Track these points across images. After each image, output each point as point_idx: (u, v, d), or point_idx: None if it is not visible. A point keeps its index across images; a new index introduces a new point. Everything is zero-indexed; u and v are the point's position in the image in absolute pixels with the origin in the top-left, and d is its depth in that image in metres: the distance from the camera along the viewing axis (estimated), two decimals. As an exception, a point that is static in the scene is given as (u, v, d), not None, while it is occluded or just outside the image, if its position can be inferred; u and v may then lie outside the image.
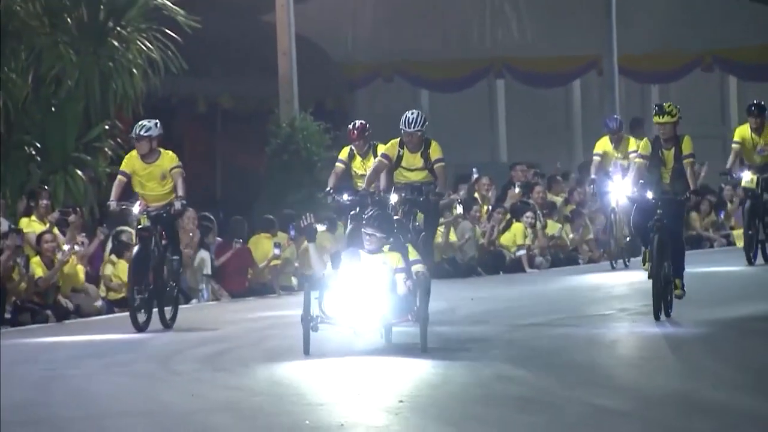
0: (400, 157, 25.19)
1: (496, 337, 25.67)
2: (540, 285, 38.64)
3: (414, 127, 25.10)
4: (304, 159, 39.13)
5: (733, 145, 35.50)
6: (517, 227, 43.26)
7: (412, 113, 26.16)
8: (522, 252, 42.45)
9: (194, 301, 36.26)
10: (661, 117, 27.09)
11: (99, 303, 32.73)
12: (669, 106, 27.50)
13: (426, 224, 26.42)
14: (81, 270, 32.55)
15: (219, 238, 37.74)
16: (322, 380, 21.50)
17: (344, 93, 45.34)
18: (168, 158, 25.76)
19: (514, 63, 53.17)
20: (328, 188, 27.84)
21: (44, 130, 35.18)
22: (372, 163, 28.64)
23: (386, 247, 23.65)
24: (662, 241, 26.43)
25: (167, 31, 39.63)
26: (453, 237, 41.43)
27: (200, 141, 32.99)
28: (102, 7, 38.73)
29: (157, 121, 26.38)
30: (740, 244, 42.63)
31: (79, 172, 35.83)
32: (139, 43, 38.78)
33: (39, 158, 35.27)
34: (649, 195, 26.63)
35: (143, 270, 27.23)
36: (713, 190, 47.17)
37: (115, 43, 38.80)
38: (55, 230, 32.48)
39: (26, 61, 37.84)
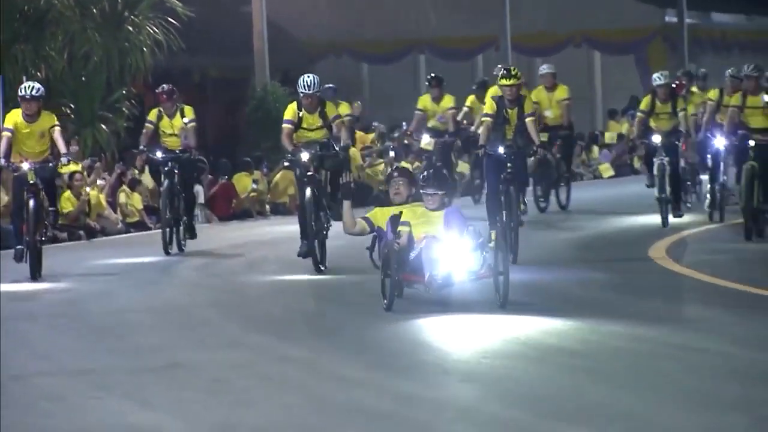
0: (300, 119, 23.44)
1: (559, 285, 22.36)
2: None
3: (311, 90, 23.36)
4: (274, 116, 38.73)
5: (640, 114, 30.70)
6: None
7: (308, 77, 24.21)
8: None
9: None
10: (508, 80, 24.67)
11: (119, 225, 32.91)
12: (514, 70, 25.55)
13: (333, 177, 24.57)
14: (104, 199, 32.89)
15: (210, 176, 38.13)
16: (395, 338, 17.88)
17: (305, 65, 45.42)
18: (48, 120, 23.08)
19: (431, 42, 53.71)
20: (141, 147, 25.88)
21: (76, 95, 35.45)
22: (179, 122, 27.17)
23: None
24: (511, 195, 24.58)
25: (169, 18, 40.31)
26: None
27: (195, 103, 33.21)
28: (119, 0, 39.05)
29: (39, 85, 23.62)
30: (607, 174, 42.12)
31: (103, 127, 36.12)
32: (147, 28, 39.49)
33: (72, 116, 35.27)
34: (501, 150, 24.45)
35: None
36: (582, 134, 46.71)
37: (130, 29, 39.34)
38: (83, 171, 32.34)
39: (62, 43, 38.17)
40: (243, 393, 16.01)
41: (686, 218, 30.86)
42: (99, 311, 21.38)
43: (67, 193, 32.26)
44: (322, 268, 23.10)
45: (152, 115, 26.37)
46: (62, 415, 13.95)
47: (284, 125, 23.50)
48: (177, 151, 26.41)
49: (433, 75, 36.47)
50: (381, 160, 41.92)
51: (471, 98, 35.69)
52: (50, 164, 22.50)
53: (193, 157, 28.33)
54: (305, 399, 14.64)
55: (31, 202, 21.60)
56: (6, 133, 21.85)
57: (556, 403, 13.25)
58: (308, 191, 23.17)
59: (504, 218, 24.02)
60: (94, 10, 38.58)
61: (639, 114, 27.51)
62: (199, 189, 36.07)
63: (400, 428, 12.53)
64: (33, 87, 22.27)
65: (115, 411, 15.08)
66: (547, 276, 22.65)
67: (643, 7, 56.99)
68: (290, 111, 23.40)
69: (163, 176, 25.46)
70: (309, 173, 23.26)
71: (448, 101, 34.65)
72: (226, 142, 37.63)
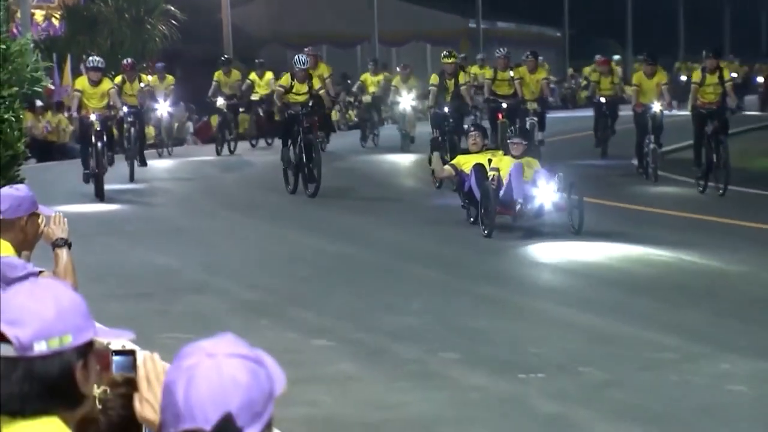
0: (291, 86, 21.12)
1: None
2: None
3: (303, 66, 21.21)
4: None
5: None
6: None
7: (302, 56, 21.91)
8: None
9: (185, 144, 34.40)
10: (447, 59, 23.29)
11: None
12: (452, 53, 24.01)
13: (318, 128, 22.28)
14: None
15: (196, 116, 36.34)
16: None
17: (253, 50, 44.77)
18: (107, 81, 21.17)
19: (330, 36, 51.67)
20: (119, 107, 21.59)
21: (116, 69, 34.62)
22: (137, 86, 24.90)
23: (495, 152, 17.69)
24: (453, 140, 22.17)
25: (172, 21, 40.17)
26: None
27: (186, 73, 33.30)
28: (141, 8, 39.65)
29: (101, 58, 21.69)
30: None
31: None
32: (159, 26, 39.69)
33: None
34: (446, 109, 22.45)
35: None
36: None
37: (149, 26, 39.34)
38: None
39: (106, 35, 37.68)
40: (222, 245, 16.42)
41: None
42: (139, 215, 19.68)
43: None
44: (312, 194, 20.50)
45: (117, 80, 23.94)
46: (91, 257, 12.29)
47: (278, 88, 21.90)
48: (137, 108, 24.73)
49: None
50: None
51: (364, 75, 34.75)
52: (110, 114, 20.87)
53: (144, 110, 26.67)
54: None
55: (99, 144, 20.00)
56: (77, 93, 20.64)
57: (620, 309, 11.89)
58: (291, 136, 21.01)
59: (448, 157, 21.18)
60: (126, 15, 39.41)
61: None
62: (189, 124, 35.92)
63: (500, 310, 11.75)
64: (98, 60, 21.08)
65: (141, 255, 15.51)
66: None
67: (454, 16, 57.85)
68: (285, 79, 21.75)
69: (126, 124, 23.68)
70: (295, 125, 20.90)
71: (413, 81, 32.43)
72: (205, 96, 37.07)
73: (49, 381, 3.08)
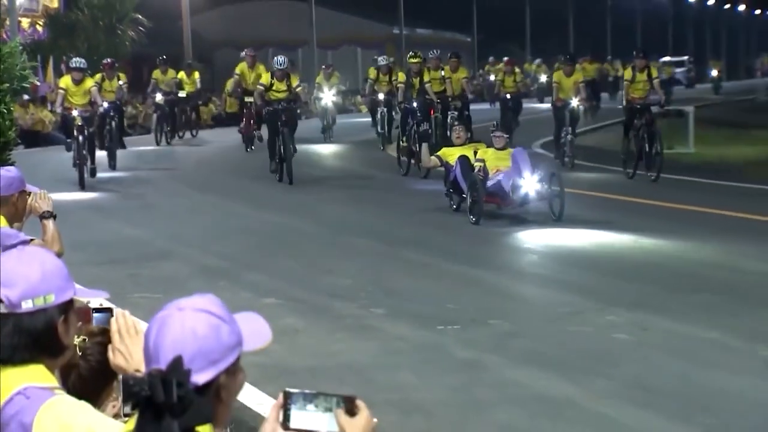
0: (271, 84, 20.00)
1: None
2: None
3: (281, 66, 20.08)
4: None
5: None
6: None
7: (281, 57, 20.65)
8: None
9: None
10: (413, 59, 22.31)
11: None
12: (418, 53, 22.88)
13: (292, 123, 20.46)
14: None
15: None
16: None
17: (208, 53, 44.61)
18: (89, 80, 20.19)
19: (277, 41, 50.37)
20: (99, 103, 20.52)
21: (93, 69, 34.02)
22: (116, 83, 23.53)
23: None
24: (423, 131, 20.39)
25: (140, 27, 39.81)
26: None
27: (150, 72, 32.67)
28: (113, 16, 39.12)
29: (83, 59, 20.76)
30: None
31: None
32: (129, 32, 39.27)
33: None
34: (414, 104, 21.36)
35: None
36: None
37: (119, 32, 38.87)
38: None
39: (83, 39, 37.26)
40: (185, 219, 16.57)
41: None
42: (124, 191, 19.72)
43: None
44: (289, 182, 19.46)
45: (97, 77, 22.55)
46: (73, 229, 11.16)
47: (258, 86, 20.67)
48: (116, 102, 23.34)
49: (329, 63, 34.09)
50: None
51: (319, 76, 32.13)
52: (90, 110, 19.85)
53: (122, 104, 25.57)
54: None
55: (81, 137, 18.98)
56: (61, 91, 19.69)
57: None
58: (274, 130, 20.02)
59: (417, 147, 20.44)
60: (101, 22, 38.92)
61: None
62: (155, 116, 34.43)
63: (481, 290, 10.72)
64: (80, 61, 20.04)
65: (115, 228, 15.36)
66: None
67: (380, 24, 57.80)
68: (265, 78, 20.58)
69: (107, 118, 22.14)
70: (275, 119, 19.83)
71: (335, 79, 31.85)
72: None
73: (35, 334, 3.09)
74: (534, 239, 13.99)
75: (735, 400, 7.60)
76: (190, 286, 9.10)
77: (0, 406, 3.04)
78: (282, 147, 19.68)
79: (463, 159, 15.66)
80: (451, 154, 16.20)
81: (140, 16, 40.22)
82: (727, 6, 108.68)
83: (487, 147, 16.07)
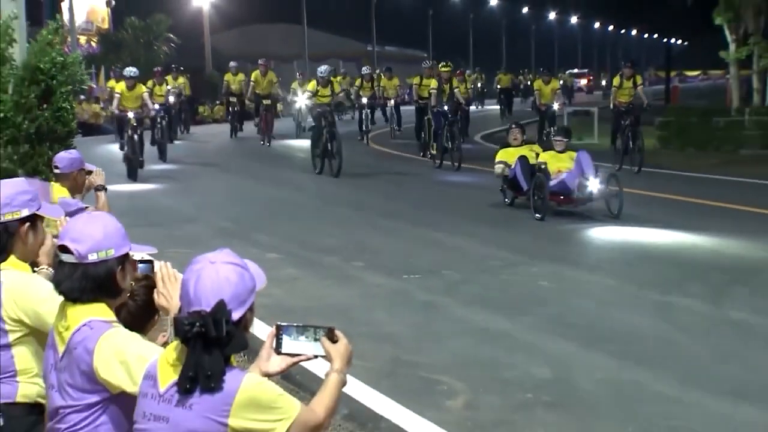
0: (316, 90, 17.93)
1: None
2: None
3: (325, 74, 18.07)
4: (214, 83, 39.04)
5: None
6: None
7: (324, 67, 18.72)
8: None
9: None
10: (445, 68, 19.77)
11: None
12: (448, 63, 20.31)
13: (336, 124, 18.32)
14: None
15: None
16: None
17: (224, 65, 44.46)
18: (141, 86, 18.56)
19: (275, 56, 50.76)
20: (150, 107, 18.30)
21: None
22: (164, 88, 22.46)
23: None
24: (453, 131, 18.85)
25: (171, 43, 39.25)
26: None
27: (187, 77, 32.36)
28: (151, 35, 38.69)
29: (136, 69, 18.94)
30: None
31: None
32: (162, 47, 38.78)
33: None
34: (445, 108, 19.00)
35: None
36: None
37: (155, 47, 38.23)
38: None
39: (127, 55, 36.15)
40: (208, 193, 16.68)
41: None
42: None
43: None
44: (336, 175, 17.48)
45: (149, 84, 21.39)
46: (121, 200, 11.06)
47: (306, 92, 18.95)
48: (164, 105, 21.94)
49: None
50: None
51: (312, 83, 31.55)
52: (142, 112, 18.23)
53: (176, 108, 24.51)
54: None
55: (135, 136, 17.41)
56: (117, 95, 18.10)
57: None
58: (322, 129, 17.86)
59: (450, 144, 19.05)
60: (141, 40, 38.32)
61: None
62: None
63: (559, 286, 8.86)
64: (133, 71, 18.48)
65: (155, 199, 15.17)
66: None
67: (357, 42, 57.54)
68: (311, 85, 18.53)
69: (158, 118, 20.49)
70: (325, 120, 17.80)
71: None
72: (195, 94, 36.13)
73: (98, 280, 3.10)
74: (598, 234, 11.82)
75: (631, 331, 7.57)
76: (212, 244, 8.79)
77: (70, 334, 3.05)
78: (329, 144, 17.81)
79: (523, 159, 13.58)
80: (510, 155, 13.92)
81: (171, 35, 39.62)
82: (623, 31, 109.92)
83: (543, 149, 13.83)
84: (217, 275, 2.69)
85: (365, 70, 25.94)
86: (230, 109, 26.85)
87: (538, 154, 13.66)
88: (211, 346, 2.60)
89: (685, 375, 6.45)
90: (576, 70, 69.19)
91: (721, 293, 8.77)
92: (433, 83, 20.20)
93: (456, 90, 19.83)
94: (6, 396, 3.46)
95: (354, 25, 58.47)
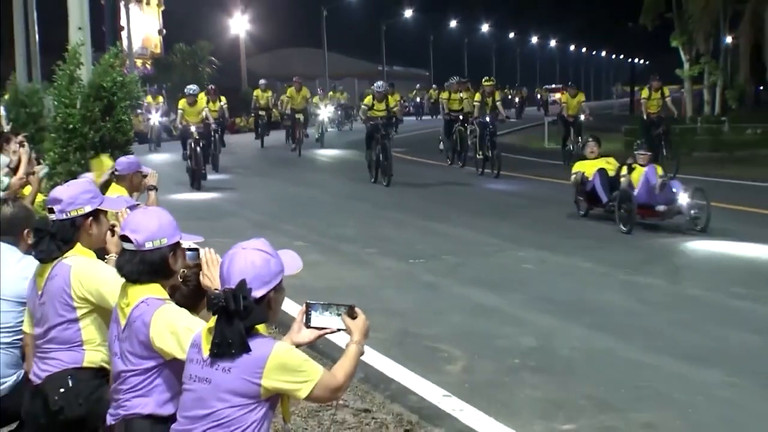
0: (372, 104, 16.32)
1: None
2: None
3: (381, 89, 16.45)
4: (249, 98, 38.64)
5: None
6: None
7: (381, 83, 17.11)
8: None
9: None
10: (488, 82, 17.92)
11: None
12: (491, 78, 18.39)
13: (389, 136, 16.58)
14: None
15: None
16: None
17: (255, 83, 44.33)
18: (202, 101, 17.04)
19: (299, 74, 50.35)
20: (210, 121, 17.09)
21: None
22: (218, 104, 20.19)
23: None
24: (494, 140, 17.59)
25: (213, 65, 39.47)
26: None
27: (221, 90, 32.24)
28: (196, 59, 38.75)
29: (197, 86, 17.26)
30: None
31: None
32: (206, 68, 38.82)
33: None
34: (487, 119, 17.48)
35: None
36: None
37: (200, 69, 38.42)
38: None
39: (177, 75, 36.97)
40: (247, 192, 16.66)
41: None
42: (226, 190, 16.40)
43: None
44: (387, 184, 15.93)
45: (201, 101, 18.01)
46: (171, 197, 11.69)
47: (363, 106, 16.96)
48: (218, 119, 20.17)
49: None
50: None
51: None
52: (204, 126, 16.74)
53: (224, 120, 22.48)
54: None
55: (198, 148, 16.02)
56: (180, 111, 16.74)
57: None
58: (375, 141, 16.41)
59: (490, 153, 17.72)
60: (188, 62, 38.57)
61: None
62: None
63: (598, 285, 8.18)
64: (194, 88, 16.98)
65: (199, 197, 14.79)
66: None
67: (370, 62, 57.30)
68: (367, 99, 17.00)
69: (212, 131, 18.30)
70: (377, 133, 16.31)
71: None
72: (232, 108, 35.86)
73: (154, 264, 3.11)
74: (686, 247, 9.91)
75: (604, 306, 7.44)
76: (248, 234, 8.77)
77: (130, 309, 3.07)
78: (381, 155, 16.28)
79: (602, 171, 11.74)
80: (587, 167, 12.04)
81: (213, 58, 39.97)
82: (594, 52, 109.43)
83: (620, 163, 11.74)
84: (245, 260, 2.69)
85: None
86: (259, 121, 26.53)
87: (623, 167, 11.57)
88: (232, 317, 2.59)
89: (686, 353, 6.04)
90: (553, 86, 69.05)
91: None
92: (477, 96, 18.43)
93: (498, 103, 18.15)
94: (74, 362, 3.48)
95: (367, 48, 58.43)
